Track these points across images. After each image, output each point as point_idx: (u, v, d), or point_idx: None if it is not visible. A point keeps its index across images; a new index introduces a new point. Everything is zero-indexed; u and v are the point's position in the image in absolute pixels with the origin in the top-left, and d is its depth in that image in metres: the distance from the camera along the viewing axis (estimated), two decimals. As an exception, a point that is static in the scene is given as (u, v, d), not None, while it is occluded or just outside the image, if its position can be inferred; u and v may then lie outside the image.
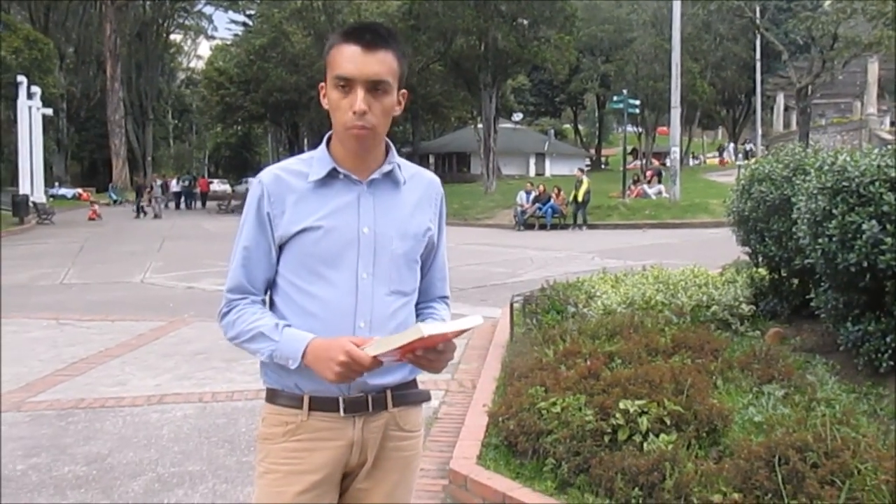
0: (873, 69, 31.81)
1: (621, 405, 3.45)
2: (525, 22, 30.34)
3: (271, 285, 1.76)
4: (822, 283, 4.58)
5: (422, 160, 45.70)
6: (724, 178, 30.56)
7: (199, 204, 39.34)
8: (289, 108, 42.59)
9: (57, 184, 44.42)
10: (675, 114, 24.08)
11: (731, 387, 4.16)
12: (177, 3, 55.59)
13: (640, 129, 46.31)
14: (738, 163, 33.44)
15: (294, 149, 48.50)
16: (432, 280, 1.87)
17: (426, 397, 1.84)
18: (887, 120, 34.52)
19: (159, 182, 35.52)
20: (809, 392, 3.90)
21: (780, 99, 42.83)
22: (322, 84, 1.71)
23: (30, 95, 29.21)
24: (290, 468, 1.70)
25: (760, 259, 5.94)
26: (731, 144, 57.21)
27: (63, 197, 40.37)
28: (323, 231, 1.68)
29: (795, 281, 5.70)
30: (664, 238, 17.33)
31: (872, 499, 2.67)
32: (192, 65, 71.79)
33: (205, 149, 71.16)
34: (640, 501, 2.99)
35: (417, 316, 1.82)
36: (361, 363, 1.55)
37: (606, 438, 3.36)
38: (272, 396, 1.75)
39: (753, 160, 8.18)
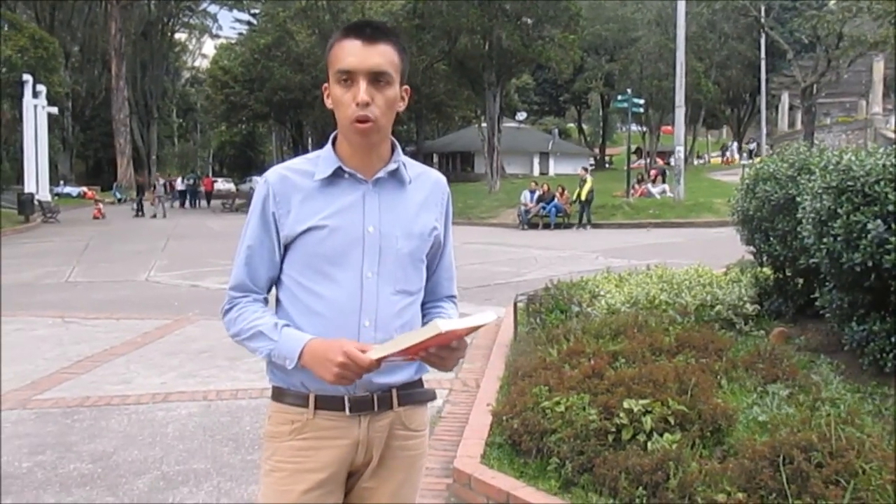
0: (879, 68, 31.67)
1: (625, 404, 3.46)
2: (529, 21, 30.27)
3: (277, 284, 1.76)
4: (827, 283, 4.58)
5: (426, 159, 45.67)
6: (729, 177, 30.45)
7: (203, 203, 39.34)
8: (293, 106, 42.64)
9: (62, 182, 44.73)
10: (680, 113, 24.01)
11: (736, 386, 4.15)
12: (182, 2, 55.70)
13: (645, 129, 46.20)
14: (742, 162, 33.34)
15: (298, 147, 48.59)
16: (439, 279, 1.87)
17: (431, 396, 1.84)
18: (892, 119, 34.34)
19: (162, 181, 35.42)
20: (814, 392, 3.90)
21: (785, 98, 42.65)
22: (325, 85, 1.71)
23: (35, 94, 29.33)
24: (295, 466, 1.70)
25: (765, 258, 5.92)
26: (734, 143, 57.06)
27: (68, 195, 40.61)
28: (328, 230, 1.68)
29: (800, 280, 5.69)
30: (668, 237, 17.29)
31: (877, 498, 2.67)
32: (196, 64, 72.15)
33: (209, 148, 71.36)
34: (644, 501, 2.99)
35: (425, 315, 1.81)
36: (360, 364, 1.55)
37: (610, 438, 3.37)
38: (278, 395, 1.75)
39: (758, 159, 8.16)
